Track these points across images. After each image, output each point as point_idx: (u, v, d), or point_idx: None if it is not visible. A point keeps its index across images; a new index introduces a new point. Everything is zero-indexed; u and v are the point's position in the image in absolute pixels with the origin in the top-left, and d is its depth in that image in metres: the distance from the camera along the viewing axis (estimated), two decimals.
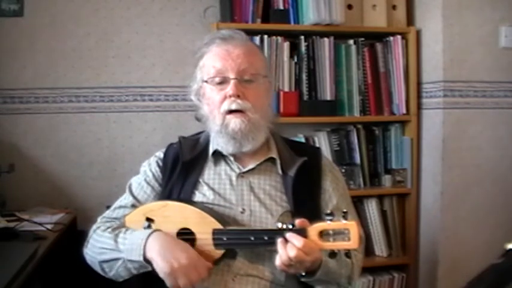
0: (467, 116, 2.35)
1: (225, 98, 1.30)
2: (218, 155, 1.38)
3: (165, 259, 1.18)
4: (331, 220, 1.15)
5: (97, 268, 1.31)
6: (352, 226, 1.15)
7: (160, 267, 1.18)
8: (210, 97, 1.33)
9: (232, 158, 1.37)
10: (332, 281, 1.29)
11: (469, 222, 2.36)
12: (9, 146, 2.36)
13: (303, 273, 1.22)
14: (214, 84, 1.32)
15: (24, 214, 2.05)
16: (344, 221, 1.15)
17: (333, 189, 1.39)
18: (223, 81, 1.31)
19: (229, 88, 1.29)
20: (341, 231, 1.15)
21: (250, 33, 2.28)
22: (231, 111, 1.30)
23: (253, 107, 1.30)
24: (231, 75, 1.30)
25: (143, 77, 2.48)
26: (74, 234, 2.05)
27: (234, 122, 1.30)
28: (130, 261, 1.22)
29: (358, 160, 2.44)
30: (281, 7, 2.35)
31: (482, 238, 2.34)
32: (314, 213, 1.21)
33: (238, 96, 1.29)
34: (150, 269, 1.22)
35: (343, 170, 2.36)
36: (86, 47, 2.42)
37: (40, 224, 1.89)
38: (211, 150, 1.38)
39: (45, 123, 2.41)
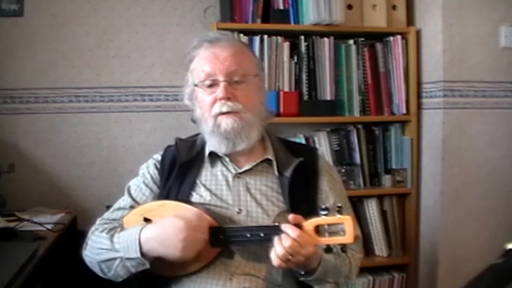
0: (467, 116, 2.34)
1: (215, 100, 1.31)
2: (214, 156, 1.39)
3: (169, 248, 1.20)
4: (326, 215, 1.16)
5: (96, 269, 1.32)
6: (347, 220, 1.15)
7: (174, 256, 1.20)
8: (202, 100, 1.35)
9: (228, 159, 1.37)
10: (331, 281, 1.29)
11: (469, 222, 2.36)
12: (9, 146, 2.36)
13: (302, 272, 1.22)
14: (205, 88, 1.33)
15: (24, 214, 2.05)
16: (339, 216, 1.15)
17: (330, 190, 1.40)
18: (213, 84, 1.32)
19: (219, 91, 1.30)
20: (336, 226, 1.15)
21: (250, 33, 2.29)
22: (222, 113, 1.31)
23: (244, 108, 1.31)
24: (220, 78, 1.31)
25: (143, 77, 2.48)
26: (74, 235, 2.05)
27: (226, 122, 1.30)
28: (128, 259, 1.23)
29: (358, 160, 2.44)
30: (281, 7, 2.35)
31: (482, 238, 2.34)
32: (311, 213, 1.21)
33: (228, 99, 1.30)
34: (147, 266, 1.23)
35: (343, 170, 2.36)
36: (86, 47, 2.43)
37: (40, 224, 1.89)
38: (207, 152, 1.39)
39: (45, 123, 2.41)
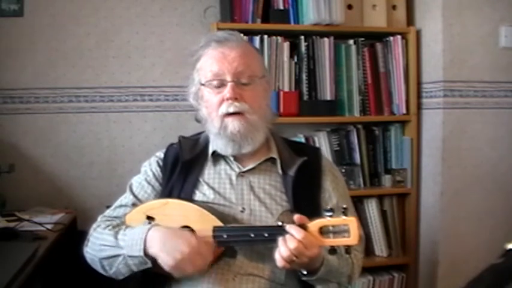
0: (467, 116, 2.34)
1: (222, 101, 1.31)
2: (218, 155, 1.38)
3: (167, 252, 1.18)
4: (330, 216, 1.16)
5: (97, 266, 1.31)
6: (351, 222, 1.15)
7: (165, 261, 1.19)
8: (208, 100, 1.34)
9: (232, 158, 1.37)
10: (333, 280, 1.29)
11: (469, 222, 2.36)
12: (9, 146, 2.36)
13: (305, 272, 1.22)
14: (212, 88, 1.33)
15: (24, 214, 2.05)
16: (344, 217, 1.15)
17: (333, 189, 1.40)
18: (221, 84, 1.32)
19: (227, 91, 1.30)
20: (341, 227, 1.15)
21: (250, 33, 2.29)
22: (229, 114, 1.31)
23: (251, 108, 1.31)
24: (228, 78, 1.30)
25: (143, 77, 2.48)
26: (74, 234, 2.05)
27: (233, 124, 1.30)
28: (131, 257, 1.22)
29: (358, 160, 2.44)
30: (281, 7, 2.35)
31: (482, 238, 2.34)
32: (314, 213, 1.21)
33: (235, 99, 1.30)
34: (150, 265, 1.22)
35: (343, 170, 2.36)
36: (86, 47, 2.43)
37: (40, 224, 1.89)
38: (210, 151, 1.38)
39: (45, 123, 2.41)
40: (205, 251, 1.19)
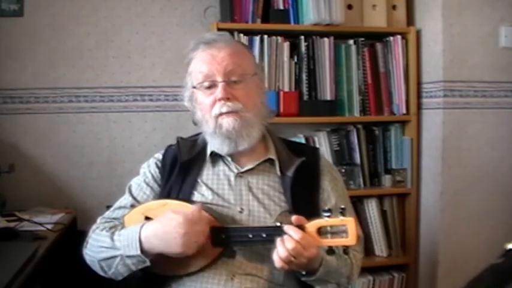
0: (467, 116, 2.34)
1: (215, 101, 1.31)
2: (216, 156, 1.39)
3: (169, 243, 1.19)
4: (328, 217, 1.16)
5: (97, 268, 1.32)
6: (349, 222, 1.15)
7: (173, 252, 1.20)
8: (201, 102, 1.35)
9: (229, 159, 1.38)
10: (332, 281, 1.29)
11: (469, 222, 2.36)
12: (9, 146, 2.36)
13: (303, 273, 1.22)
14: (204, 89, 1.33)
15: (24, 214, 2.05)
16: (342, 217, 1.15)
17: (332, 189, 1.40)
18: (212, 85, 1.32)
19: (218, 92, 1.30)
20: (339, 228, 1.15)
21: (250, 33, 2.30)
22: (222, 114, 1.31)
23: (244, 107, 1.31)
24: (219, 79, 1.30)
25: (143, 77, 2.48)
26: (74, 234, 2.05)
27: (227, 122, 1.30)
28: (129, 257, 1.23)
29: (358, 160, 2.44)
30: (281, 7, 2.35)
31: (482, 238, 2.34)
32: (313, 213, 1.21)
33: (228, 99, 1.30)
34: (148, 263, 1.23)
35: (343, 170, 2.36)
36: (86, 47, 2.43)
37: (40, 224, 1.89)
38: (208, 151, 1.39)
39: (45, 123, 2.41)
40: (195, 217, 1.20)
